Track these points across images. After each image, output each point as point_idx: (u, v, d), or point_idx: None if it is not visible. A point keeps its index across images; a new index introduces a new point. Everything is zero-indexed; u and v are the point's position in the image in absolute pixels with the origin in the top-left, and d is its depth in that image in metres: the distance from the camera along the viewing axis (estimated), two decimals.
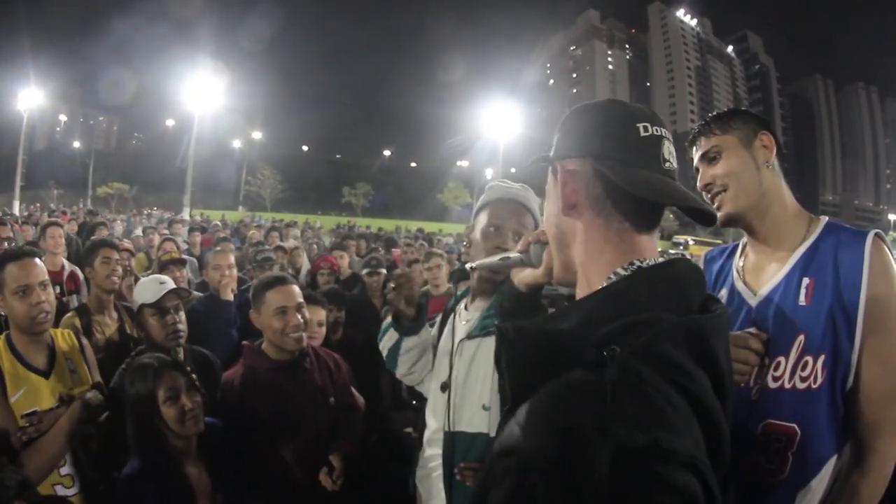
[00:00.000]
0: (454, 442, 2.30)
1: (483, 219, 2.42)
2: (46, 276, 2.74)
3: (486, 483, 0.89)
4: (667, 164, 1.12)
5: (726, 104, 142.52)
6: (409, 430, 3.78)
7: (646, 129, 1.11)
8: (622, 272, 1.07)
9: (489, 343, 2.25)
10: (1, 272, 2.65)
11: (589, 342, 0.93)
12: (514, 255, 1.47)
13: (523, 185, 2.46)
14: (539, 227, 1.55)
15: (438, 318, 2.76)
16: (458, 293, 2.68)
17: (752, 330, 1.80)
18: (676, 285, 1.05)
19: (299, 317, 2.94)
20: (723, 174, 1.91)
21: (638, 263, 1.08)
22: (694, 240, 49.65)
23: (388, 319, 2.64)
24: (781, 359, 1.75)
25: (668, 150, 1.13)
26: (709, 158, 1.95)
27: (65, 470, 2.56)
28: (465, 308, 2.51)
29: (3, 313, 2.72)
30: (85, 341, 2.99)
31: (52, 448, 2.44)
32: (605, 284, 1.07)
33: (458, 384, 2.32)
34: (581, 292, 1.14)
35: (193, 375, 2.68)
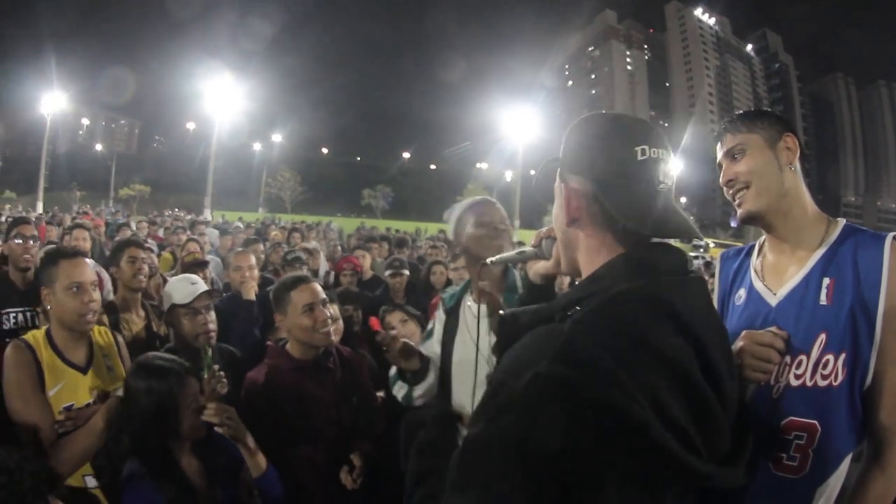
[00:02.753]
0: None
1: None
2: (96, 277, 2.82)
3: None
4: (661, 186, 1.24)
5: (746, 104, 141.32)
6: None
7: (643, 152, 1.23)
8: (602, 270, 1.26)
9: None
10: (53, 267, 2.73)
11: (559, 309, 1.17)
12: (528, 249, 1.66)
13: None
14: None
15: (438, 321, 2.87)
16: (451, 293, 2.87)
17: (773, 329, 1.82)
18: (646, 263, 1.20)
19: (327, 311, 2.99)
20: (746, 171, 1.93)
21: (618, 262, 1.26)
22: (715, 242, 49.13)
23: (394, 370, 2.76)
24: (803, 357, 1.77)
25: (664, 171, 1.24)
26: (733, 155, 1.97)
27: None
28: (472, 302, 2.67)
29: (48, 307, 2.76)
30: (120, 338, 3.07)
31: (86, 442, 2.48)
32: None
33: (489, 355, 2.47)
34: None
35: (222, 372, 2.72)
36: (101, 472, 2.62)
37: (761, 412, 1.81)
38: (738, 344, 1.82)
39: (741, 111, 2.07)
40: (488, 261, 1.81)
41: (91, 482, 2.61)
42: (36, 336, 2.72)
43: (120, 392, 2.60)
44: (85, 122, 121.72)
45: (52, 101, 40.03)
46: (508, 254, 1.80)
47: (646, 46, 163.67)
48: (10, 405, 2.53)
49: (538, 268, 1.67)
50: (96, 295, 2.78)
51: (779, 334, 1.80)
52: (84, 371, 2.74)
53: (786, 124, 1.98)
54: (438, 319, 2.89)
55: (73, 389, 2.65)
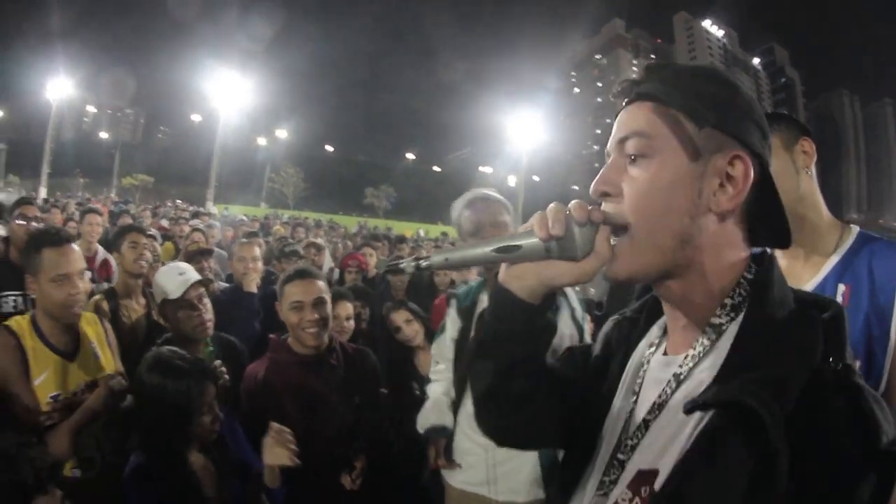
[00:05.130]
0: None
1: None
2: (84, 264, 2.69)
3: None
4: None
5: None
6: None
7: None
8: (749, 276, 0.97)
9: None
10: (37, 255, 2.58)
11: (819, 366, 0.84)
12: (526, 241, 0.98)
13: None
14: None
15: (452, 319, 2.91)
16: (466, 291, 2.85)
17: None
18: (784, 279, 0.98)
19: (317, 314, 2.88)
20: None
21: (753, 265, 0.99)
22: None
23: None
24: None
25: None
26: None
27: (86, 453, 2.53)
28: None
29: (33, 296, 2.66)
30: (108, 326, 2.97)
31: (74, 432, 2.41)
32: (739, 291, 0.96)
33: None
34: (695, 294, 0.98)
35: (224, 367, 2.65)
36: (90, 464, 2.54)
37: None
38: None
39: None
40: (422, 264, 1.02)
41: (77, 474, 2.52)
42: (20, 322, 2.60)
43: (112, 381, 2.54)
44: (90, 109, 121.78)
45: (58, 87, 39.85)
46: (473, 250, 1.02)
47: (653, 56, 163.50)
48: None
49: (561, 274, 1.00)
50: (84, 285, 2.65)
51: None
52: (71, 358, 2.63)
53: (802, 128, 1.97)
54: (451, 317, 2.88)
55: (59, 378, 2.55)
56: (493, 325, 1.09)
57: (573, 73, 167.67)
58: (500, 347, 1.10)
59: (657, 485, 0.90)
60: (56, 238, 2.66)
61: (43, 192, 32.97)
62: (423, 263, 1.01)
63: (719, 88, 0.98)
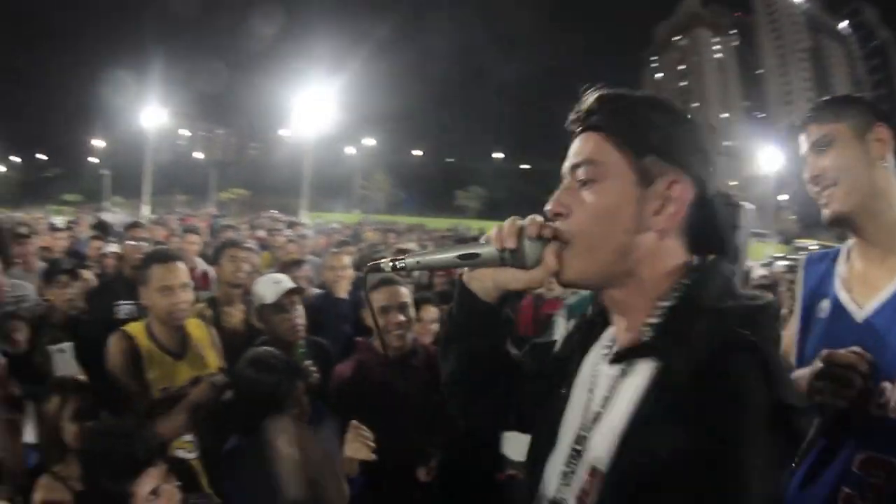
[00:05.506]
0: None
1: None
2: (187, 279, 3.11)
3: None
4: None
5: (846, 89, 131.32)
6: None
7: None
8: (686, 282, 1.07)
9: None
10: (147, 270, 3.03)
11: (730, 332, 0.97)
12: (484, 250, 1.16)
13: None
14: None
15: (563, 329, 2.91)
16: (578, 299, 2.75)
17: (856, 349, 1.57)
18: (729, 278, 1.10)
19: (401, 316, 3.08)
20: (833, 167, 1.74)
21: (692, 272, 1.09)
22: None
23: None
24: (888, 384, 1.57)
25: None
26: (818, 148, 1.78)
27: (188, 437, 2.92)
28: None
29: (147, 304, 3.08)
30: (213, 331, 3.37)
31: (179, 418, 2.80)
32: (674, 295, 1.06)
33: None
34: (634, 300, 1.11)
35: (314, 368, 2.93)
36: (192, 446, 2.95)
37: (834, 443, 1.63)
38: (817, 365, 1.57)
39: (827, 97, 1.89)
40: (397, 265, 1.19)
41: (183, 454, 2.91)
42: (136, 327, 3.07)
43: (214, 378, 2.92)
44: (183, 132, 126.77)
45: (152, 115, 41.76)
46: (440, 255, 1.21)
47: (734, 31, 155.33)
48: (117, 385, 2.90)
49: (508, 279, 1.18)
50: (186, 295, 3.06)
51: (861, 355, 1.56)
52: (179, 357, 3.05)
53: (877, 112, 1.78)
54: (560, 327, 2.96)
55: (169, 374, 2.98)
56: (457, 320, 1.29)
57: (654, 59, 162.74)
58: (462, 340, 1.30)
59: (605, 468, 1.03)
60: (163, 256, 3.19)
61: (146, 210, 34.73)
62: (399, 265, 1.19)
63: (664, 119, 1.10)
